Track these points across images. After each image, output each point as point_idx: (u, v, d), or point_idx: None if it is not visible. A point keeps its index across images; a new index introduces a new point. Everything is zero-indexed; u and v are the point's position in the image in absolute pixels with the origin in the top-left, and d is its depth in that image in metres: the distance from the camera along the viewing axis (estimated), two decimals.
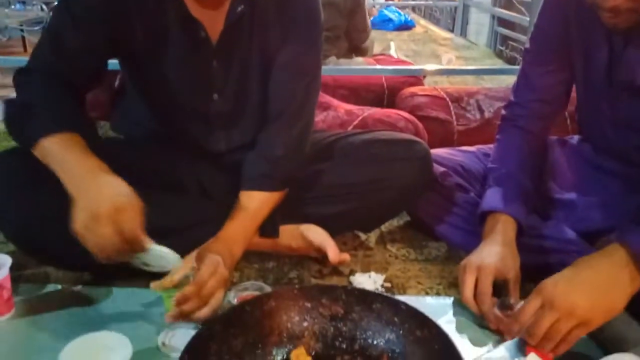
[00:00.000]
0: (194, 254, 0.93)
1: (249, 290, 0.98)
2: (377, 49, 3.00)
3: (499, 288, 0.94)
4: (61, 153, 0.85)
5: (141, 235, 0.80)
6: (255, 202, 1.05)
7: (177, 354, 0.67)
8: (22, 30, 3.59)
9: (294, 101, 1.07)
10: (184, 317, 0.84)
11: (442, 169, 1.23)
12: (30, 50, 3.11)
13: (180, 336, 0.83)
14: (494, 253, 0.95)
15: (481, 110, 1.81)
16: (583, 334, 0.79)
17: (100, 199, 0.78)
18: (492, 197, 1.07)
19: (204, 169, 1.16)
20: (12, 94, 0.97)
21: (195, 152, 1.14)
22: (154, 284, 0.84)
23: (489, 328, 0.91)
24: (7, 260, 0.90)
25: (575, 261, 0.83)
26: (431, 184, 1.19)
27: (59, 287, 1.01)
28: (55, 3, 1.03)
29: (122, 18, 0.97)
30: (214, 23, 1.00)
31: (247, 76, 1.07)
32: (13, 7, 4.59)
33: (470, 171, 1.25)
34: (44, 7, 3.77)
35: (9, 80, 1.40)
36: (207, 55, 1.03)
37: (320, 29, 1.08)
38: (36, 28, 3.55)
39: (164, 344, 0.84)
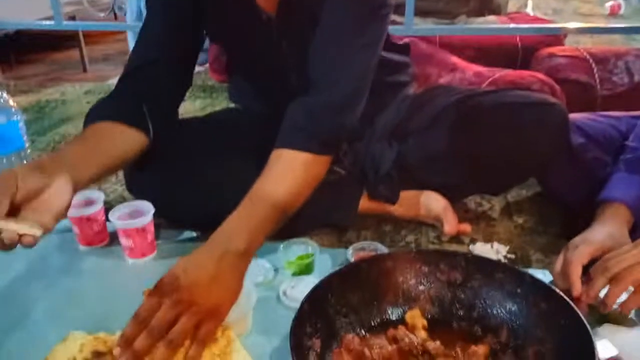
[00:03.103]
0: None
1: (366, 250, 0.99)
2: (512, 7, 2.80)
3: None
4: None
5: None
6: (282, 164, 0.88)
7: (297, 304, 0.70)
8: None
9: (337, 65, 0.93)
10: None
11: (580, 139, 1.11)
12: None
13: (301, 287, 0.87)
14: (603, 232, 0.86)
15: (630, 74, 1.62)
16: None
17: None
18: (616, 184, 0.96)
19: None
20: None
21: None
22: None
23: None
24: (151, 208, 1.00)
25: None
26: (567, 154, 1.10)
27: (194, 234, 1.10)
28: None
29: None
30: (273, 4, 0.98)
31: None
32: None
33: (613, 142, 1.12)
34: None
35: None
36: (275, 37, 1.02)
37: None
38: None
39: (284, 293, 0.88)
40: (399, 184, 1.13)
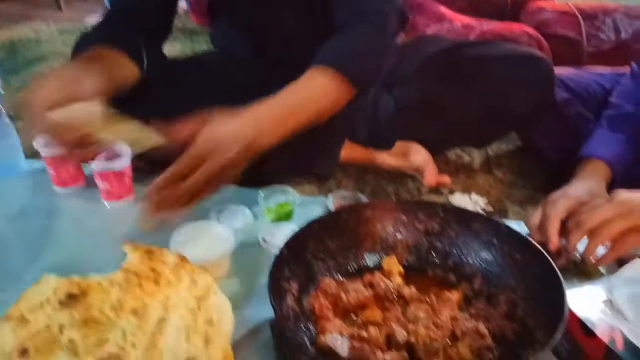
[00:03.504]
0: None
1: (347, 199, 0.99)
2: None
3: None
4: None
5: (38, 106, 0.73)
6: (317, 82, 0.85)
7: (275, 250, 0.70)
8: None
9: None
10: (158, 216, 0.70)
11: (565, 95, 1.11)
12: None
13: (280, 234, 0.87)
14: (581, 187, 0.87)
15: (617, 31, 1.61)
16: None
17: None
18: (598, 141, 0.97)
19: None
20: None
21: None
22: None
23: None
24: (129, 151, 0.98)
25: None
26: (551, 109, 1.10)
27: None
28: None
29: None
30: None
31: None
32: None
33: (596, 98, 1.13)
34: None
35: None
36: None
37: None
38: None
39: (264, 239, 0.89)
40: (393, 131, 1.12)
